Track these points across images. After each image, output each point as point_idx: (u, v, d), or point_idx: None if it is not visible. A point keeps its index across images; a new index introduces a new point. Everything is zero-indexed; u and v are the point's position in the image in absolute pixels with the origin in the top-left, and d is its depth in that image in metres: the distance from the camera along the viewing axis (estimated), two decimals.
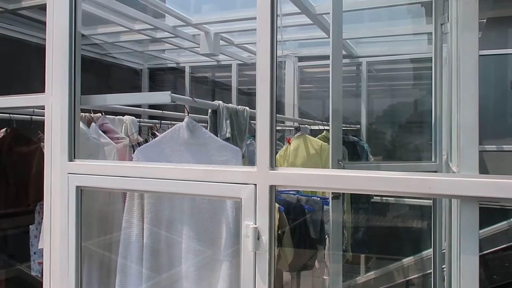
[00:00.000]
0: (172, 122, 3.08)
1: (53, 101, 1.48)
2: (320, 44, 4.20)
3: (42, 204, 2.21)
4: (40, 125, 2.46)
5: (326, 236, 1.90)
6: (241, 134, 1.71)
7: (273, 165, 1.12)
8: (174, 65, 4.69)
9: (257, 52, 1.13)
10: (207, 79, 5.14)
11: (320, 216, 1.84)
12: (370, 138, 4.14)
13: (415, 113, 4.55)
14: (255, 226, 1.11)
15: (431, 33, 2.55)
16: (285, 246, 1.79)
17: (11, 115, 2.43)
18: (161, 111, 2.47)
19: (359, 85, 4.14)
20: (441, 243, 2.18)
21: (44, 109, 1.54)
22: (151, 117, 3.12)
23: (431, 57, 2.37)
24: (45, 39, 3.73)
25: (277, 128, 1.21)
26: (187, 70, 4.59)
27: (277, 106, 1.15)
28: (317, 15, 2.83)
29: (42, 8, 3.32)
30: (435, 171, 2.06)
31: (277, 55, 1.14)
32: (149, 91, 4.78)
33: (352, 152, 3.17)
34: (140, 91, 4.76)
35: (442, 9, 2.32)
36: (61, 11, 1.45)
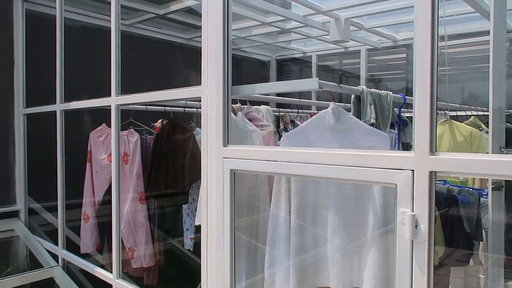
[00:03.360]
0: (304, 111, 3.14)
1: (209, 92, 1.63)
2: (459, 22, 3.78)
3: (194, 186, 2.49)
4: (191, 115, 2.77)
5: (483, 231, 1.72)
6: (384, 120, 1.65)
7: (433, 149, 1.05)
8: (301, 55, 4.75)
9: (416, 31, 1.06)
10: (334, 67, 5.08)
11: (476, 209, 1.67)
12: None
13: None
14: (413, 213, 1.07)
15: None
16: (436, 239, 1.67)
17: (165, 107, 2.78)
18: (298, 99, 2.53)
19: None
20: None
21: (199, 100, 1.71)
22: (278, 105, 3.21)
23: None
24: (186, 39, 4.09)
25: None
26: (313, 59, 4.60)
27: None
28: None
29: (187, 11, 3.68)
30: None
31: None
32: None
33: (507, 141, 2.77)
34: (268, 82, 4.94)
35: None
36: (216, 12, 1.58)
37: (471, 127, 2.46)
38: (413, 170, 1.07)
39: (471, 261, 1.81)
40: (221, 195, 1.57)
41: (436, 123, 1.07)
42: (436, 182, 1.91)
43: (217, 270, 1.59)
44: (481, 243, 1.79)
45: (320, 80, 1.34)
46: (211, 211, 1.63)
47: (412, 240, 1.07)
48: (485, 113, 2.98)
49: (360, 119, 1.57)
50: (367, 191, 1.41)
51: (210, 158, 1.62)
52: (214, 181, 1.60)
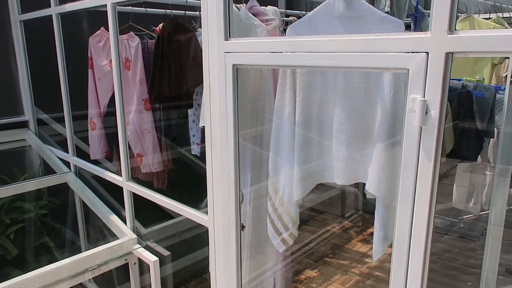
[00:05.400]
0: None
1: None
2: None
3: (199, 92, 2.43)
4: (194, 19, 2.62)
5: (495, 128, 1.66)
6: (400, 11, 1.51)
7: (452, 28, 0.95)
8: None
9: None
10: None
11: (491, 104, 1.59)
12: None
13: None
14: (424, 99, 1.00)
15: None
16: (445, 134, 1.62)
17: (166, 10, 2.62)
18: None
19: None
20: None
21: None
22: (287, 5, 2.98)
23: None
24: None
25: None
26: None
27: None
28: None
29: None
30: None
31: None
32: None
33: None
34: None
35: None
36: None
37: (494, 23, 2.29)
38: (427, 52, 0.99)
39: (479, 158, 1.79)
40: (223, 92, 1.51)
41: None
42: (451, 80, 1.82)
43: (221, 169, 1.59)
44: (491, 140, 1.75)
45: None
46: (215, 110, 1.59)
47: (421, 127, 1.02)
48: (511, 13, 2.77)
49: None
50: (376, 84, 1.34)
51: (212, 54, 1.53)
52: (217, 79, 1.54)
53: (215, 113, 1.59)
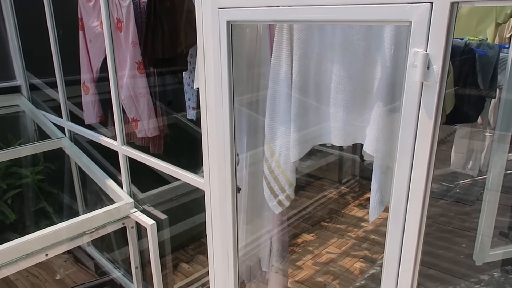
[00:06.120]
0: None
1: None
2: None
3: (193, 54, 2.36)
4: None
5: (497, 88, 1.62)
6: None
7: None
8: None
9: None
10: None
11: (494, 63, 1.54)
12: None
13: None
14: (426, 53, 0.96)
15: None
16: (446, 94, 1.57)
17: None
18: None
19: None
20: None
21: None
22: None
23: None
24: None
25: None
26: None
27: None
28: None
29: None
30: None
31: None
32: None
33: None
34: None
35: None
36: None
37: None
38: (431, 3, 0.93)
39: (479, 119, 1.76)
40: (218, 51, 1.46)
41: None
42: (453, 39, 1.76)
43: (217, 130, 1.56)
44: (492, 100, 1.72)
45: None
46: (209, 70, 1.54)
47: (422, 83, 0.98)
48: None
49: None
50: (377, 41, 1.29)
51: (205, 10, 1.47)
52: (211, 37, 1.48)
53: (209, 73, 1.54)
